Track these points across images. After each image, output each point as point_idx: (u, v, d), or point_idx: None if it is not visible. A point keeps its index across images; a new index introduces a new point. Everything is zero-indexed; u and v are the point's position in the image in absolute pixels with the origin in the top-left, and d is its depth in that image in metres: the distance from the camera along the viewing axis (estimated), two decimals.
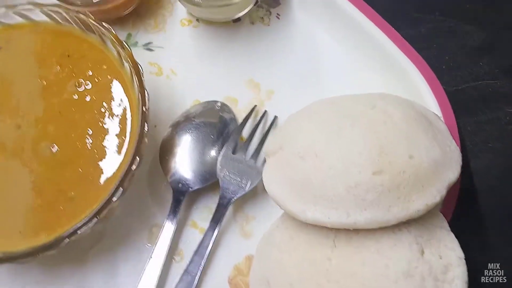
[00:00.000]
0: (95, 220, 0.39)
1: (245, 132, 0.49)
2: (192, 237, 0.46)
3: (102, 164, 0.42)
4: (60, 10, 0.44)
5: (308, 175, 0.36)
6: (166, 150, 0.47)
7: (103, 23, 0.44)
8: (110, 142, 0.42)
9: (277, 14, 0.54)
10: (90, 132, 0.43)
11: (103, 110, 0.43)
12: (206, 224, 0.44)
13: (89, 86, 0.44)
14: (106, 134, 0.43)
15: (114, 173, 0.41)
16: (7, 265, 0.38)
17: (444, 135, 0.39)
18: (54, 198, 0.41)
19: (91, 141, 0.42)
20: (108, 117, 0.43)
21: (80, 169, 0.41)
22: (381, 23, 0.48)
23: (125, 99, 0.44)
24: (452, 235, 0.36)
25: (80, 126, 0.43)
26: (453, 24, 0.54)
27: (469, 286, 0.34)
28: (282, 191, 0.38)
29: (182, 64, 0.52)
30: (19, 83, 0.44)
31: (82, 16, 0.44)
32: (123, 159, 0.42)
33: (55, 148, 0.42)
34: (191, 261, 0.43)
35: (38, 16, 0.46)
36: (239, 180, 0.45)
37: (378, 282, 0.33)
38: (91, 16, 0.44)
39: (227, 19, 0.53)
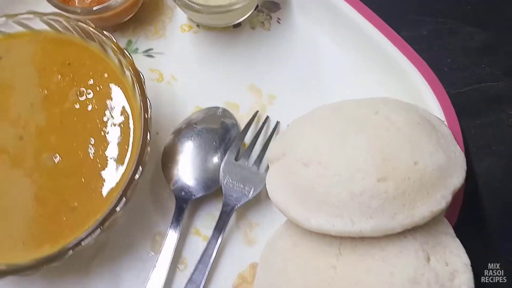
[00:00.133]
0: (98, 231, 0.38)
1: (247, 138, 0.48)
2: (196, 245, 0.46)
3: (104, 174, 0.41)
4: (60, 19, 0.44)
5: (311, 182, 0.36)
6: (168, 158, 0.47)
7: (104, 31, 0.43)
8: (113, 151, 0.42)
9: (278, 18, 0.53)
10: (92, 141, 0.42)
11: (105, 119, 0.43)
12: (209, 232, 0.44)
13: (91, 95, 0.44)
14: (109, 144, 0.42)
15: (117, 183, 0.41)
16: (10, 277, 0.37)
17: (448, 140, 0.39)
18: (57, 209, 0.40)
19: (93, 151, 0.42)
20: (110, 126, 0.43)
21: (82, 179, 0.41)
22: (382, 26, 0.48)
23: (127, 108, 0.43)
24: (458, 241, 0.36)
25: (82, 136, 0.43)
26: (455, 25, 0.53)
27: None
28: (285, 198, 0.38)
29: (183, 70, 0.52)
30: (20, 93, 0.44)
31: (82, 24, 0.44)
32: (125, 169, 0.41)
33: (57, 158, 0.42)
34: (195, 270, 0.43)
35: (38, 25, 0.45)
36: (242, 187, 0.45)
37: None
38: (92, 24, 0.44)
39: (228, 24, 0.53)
